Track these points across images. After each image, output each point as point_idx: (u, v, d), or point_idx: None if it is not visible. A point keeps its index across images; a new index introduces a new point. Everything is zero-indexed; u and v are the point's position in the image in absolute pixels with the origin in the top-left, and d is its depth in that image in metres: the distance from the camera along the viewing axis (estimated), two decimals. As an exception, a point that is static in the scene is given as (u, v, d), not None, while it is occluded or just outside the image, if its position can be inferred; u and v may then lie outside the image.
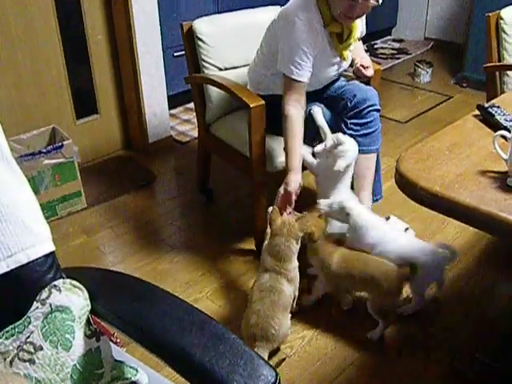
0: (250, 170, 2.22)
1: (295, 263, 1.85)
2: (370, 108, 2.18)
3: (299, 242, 1.86)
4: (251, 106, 2.10)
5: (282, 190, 2.02)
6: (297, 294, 1.89)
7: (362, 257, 1.91)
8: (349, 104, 2.18)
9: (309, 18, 2.01)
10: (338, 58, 2.18)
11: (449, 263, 2.03)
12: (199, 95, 2.48)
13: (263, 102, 2.12)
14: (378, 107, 2.21)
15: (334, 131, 2.12)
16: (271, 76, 2.22)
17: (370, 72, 2.26)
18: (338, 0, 1.98)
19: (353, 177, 2.17)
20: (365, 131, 2.18)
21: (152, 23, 3.00)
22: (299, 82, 2.06)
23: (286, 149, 2.07)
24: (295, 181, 2.01)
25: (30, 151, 2.52)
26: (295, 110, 2.05)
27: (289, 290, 1.81)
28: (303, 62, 2.04)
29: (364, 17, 2.16)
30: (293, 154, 2.04)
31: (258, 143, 2.16)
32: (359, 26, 2.18)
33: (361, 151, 2.17)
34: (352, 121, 2.18)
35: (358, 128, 2.17)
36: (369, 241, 1.94)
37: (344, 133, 2.17)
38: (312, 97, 2.25)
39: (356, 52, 2.29)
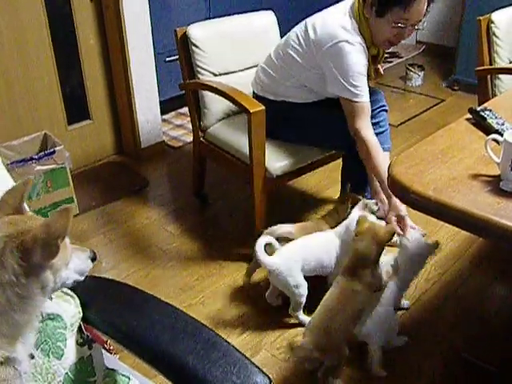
0: (250, 176, 2.20)
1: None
2: (380, 108, 2.26)
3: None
4: (251, 111, 2.07)
5: (393, 219, 1.95)
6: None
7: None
8: None
9: (359, 42, 2.04)
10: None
11: None
12: (194, 101, 2.47)
13: (263, 107, 2.10)
14: (387, 108, 2.29)
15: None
16: (290, 86, 2.23)
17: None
18: (386, 28, 2.03)
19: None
20: (378, 130, 2.20)
21: (144, 28, 2.99)
22: (363, 102, 2.06)
23: (377, 176, 2.03)
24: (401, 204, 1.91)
25: (21, 157, 2.50)
26: (373, 135, 2.06)
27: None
28: (362, 82, 2.05)
29: None
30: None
31: (258, 148, 2.14)
32: None
33: None
34: None
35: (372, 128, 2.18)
36: None
37: None
38: (326, 100, 2.26)
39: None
